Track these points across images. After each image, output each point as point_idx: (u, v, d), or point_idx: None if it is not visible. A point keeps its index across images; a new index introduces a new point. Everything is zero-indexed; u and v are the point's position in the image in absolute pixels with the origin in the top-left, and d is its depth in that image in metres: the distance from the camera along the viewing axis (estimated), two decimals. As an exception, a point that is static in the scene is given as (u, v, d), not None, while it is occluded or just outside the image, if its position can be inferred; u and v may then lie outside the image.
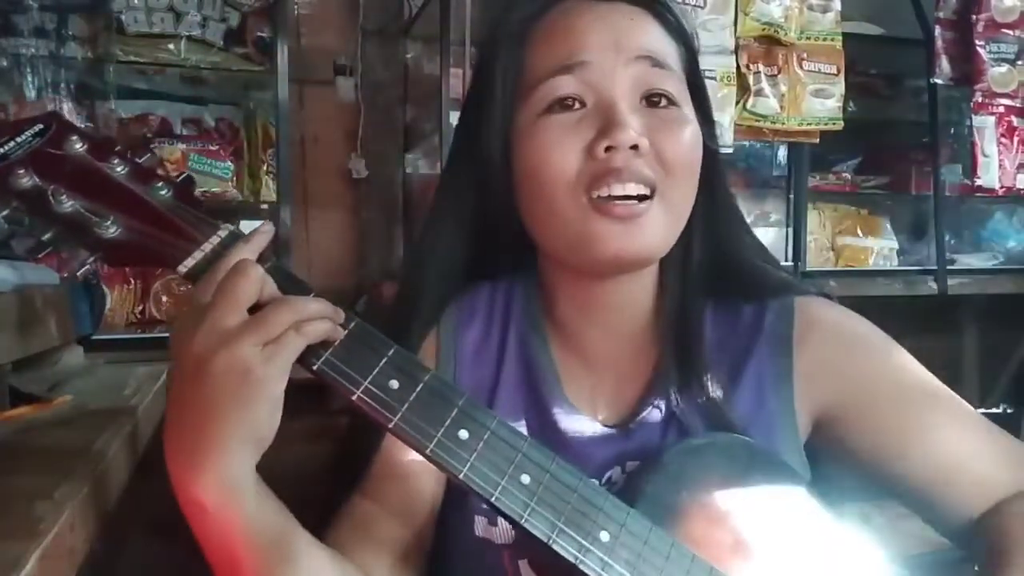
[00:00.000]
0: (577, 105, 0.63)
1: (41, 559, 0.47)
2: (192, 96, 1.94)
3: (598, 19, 0.64)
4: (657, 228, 0.62)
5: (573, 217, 0.62)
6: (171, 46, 1.79)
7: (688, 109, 0.66)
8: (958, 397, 0.71)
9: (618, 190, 0.61)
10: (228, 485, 0.50)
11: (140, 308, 1.75)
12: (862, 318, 0.73)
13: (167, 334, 1.63)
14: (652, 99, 0.63)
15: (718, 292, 0.72)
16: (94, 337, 1.25)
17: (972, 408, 0.71)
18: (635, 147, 0.60)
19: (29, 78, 1.70)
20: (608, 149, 0.60)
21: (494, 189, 0.67)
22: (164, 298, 1.77)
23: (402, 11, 2.08)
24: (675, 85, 0.65)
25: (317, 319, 0.50)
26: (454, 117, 1.71)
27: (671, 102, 0.64)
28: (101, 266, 0.55)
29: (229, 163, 1.86)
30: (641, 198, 0.61)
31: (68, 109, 1.74)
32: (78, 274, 0.54)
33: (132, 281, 1.75)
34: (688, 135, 0.64)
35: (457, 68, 1.72)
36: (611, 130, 0.60)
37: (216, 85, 1.94)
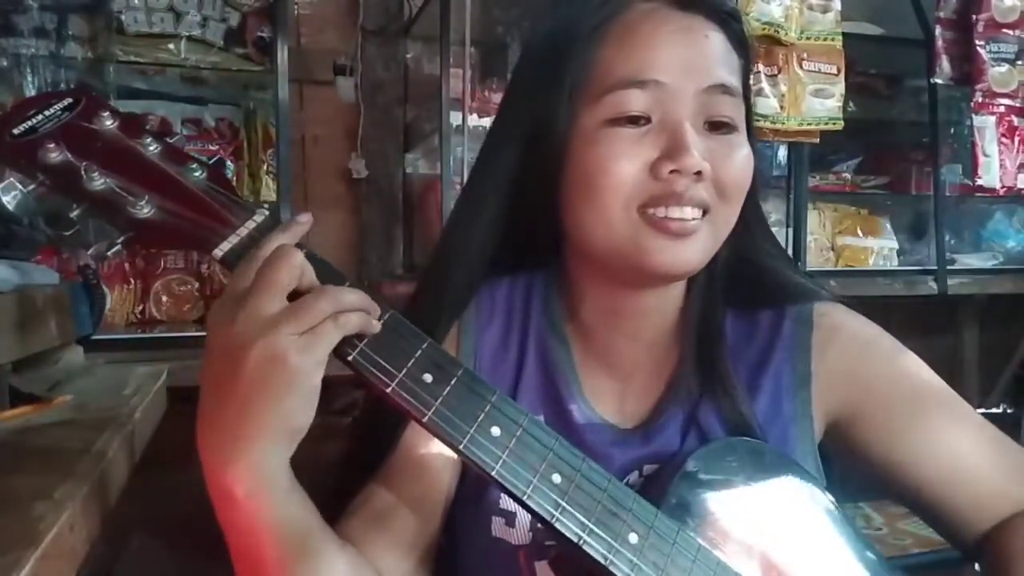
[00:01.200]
0: (643, 121, 0.62)
1: (41, 559, 0.47)
2: (192, 96, 1.94)
3: (676, 33, 0.63)
4: (704, 245, 0.63)
5: (624, 229, 0.62)
6: (171, 46, 1.79)
7: (743, 130, 0.66)
8: (969, 406, 0.71)
9: (675, 212, 0.61)
10: (260, 476, 0.50)
11: (140, 308, 1.75)
12: (876, 325, 0.74)
13: (167, 334, 1.64)
14: (715, 124, 0.63)
15: (738, 298, 0.72)
16: (94, 337, 1.25)
17: (983, 418, 0.72)
18: (698, 173, 0.60)
19: (29, 78, 1.70)
20: (672, 172, 0.60)
21: (539, 186, 0.66)
22: (164, 298, 1.77)
23: (402, 11, 2.08)
24: (737, 110, 0.64)
25: (354, 310, 0.50)
26: (454, 117, 1.72)
27: (732, 128, 0.64)
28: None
29: (229, 163, 1.86)
30: (694, 218, 0.62)
31: (68, 109, 1.74)
32: (108, 254, 0.52)
33: (132, 281, 1.75)
34: (744, 160, 0.64)
35: (457, 68, 1.72)
36: (678, 154, 0.60)
37: (216, 85, 1.94)
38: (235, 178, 1.88)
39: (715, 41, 0.64)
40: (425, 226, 2.03)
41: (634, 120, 0.62)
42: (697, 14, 0.64)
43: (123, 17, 1.74)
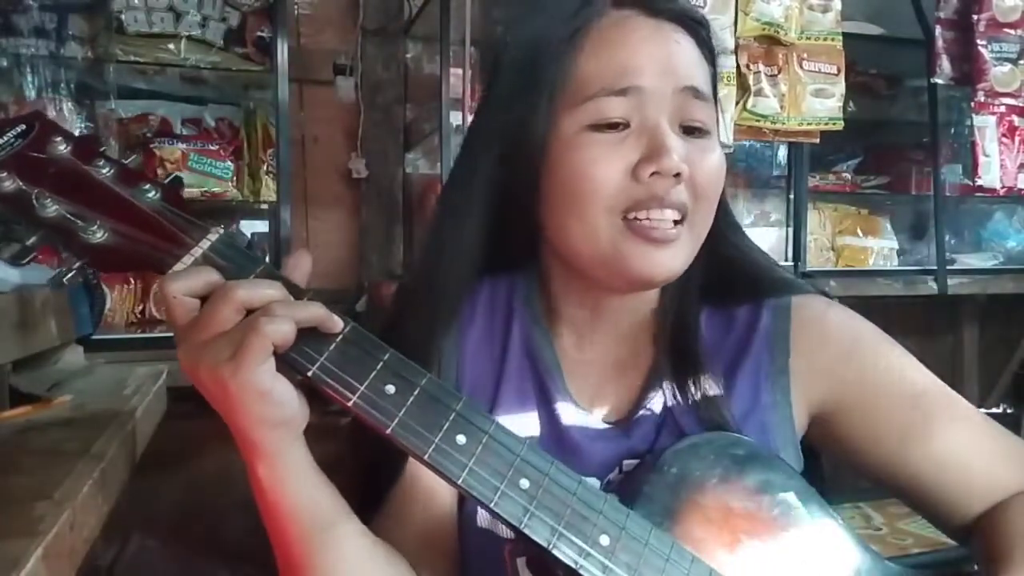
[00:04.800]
0: (622, 126, 0.63)
1: (41, 559, 0.47)
2: (192, 96, 1.94)
3: (649, 39, 0.64)
4: (684, 251, 0.64)
5: (606, 235, 0.62)
6: (171, 46, 1.79)
7: (716, 135, 0.67)
8: (957, 395, 0.71)
9: (656, 215, 0.62)
10: (275, 464, 0.53)
11: (140, 308, 1.75)
12: (860, 316, 0.74)
13: (167, 334, 1.64)
14: (689, 129, 0.64)
15: (714, 294, 0.72)
16: (94, 337, 1.25)
17: (972, 406, 0.71)
18: (678, 175, 0.61)
19: (29, 78, 1.71)
20: (653, 174, 0.61)
21: (518, 192, 0.67)
22: (164, 298, 1.76)
23: (402, 11, 2.08)
24: (708, 113, 0.65)
25: (279, 317, 0.49)
26: (454, 117, 1.72)
27: (705, 132, 0.65)
28: (95, 268, 0.54)
29: (229, 163, 1.86)
30: (675, 222, 0.62)
31: (68, 109, 1.74)
32: (65, 280, 0.53)
33: (132, 281, 1.75)
34: (717, 163, 0.65)
35: (457, 68, 1.72)
36: (658, 156, 0.61)
37: (216, 85, 1.94)
38: (235, 178, 1.88)
39: (685, 46, 0.66)
40: (425, 226, 2.03)
41: (614, 126, 0.62)
42: (667, 21, 0.66)
43: (123, 17, 1.74)
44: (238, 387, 0.49)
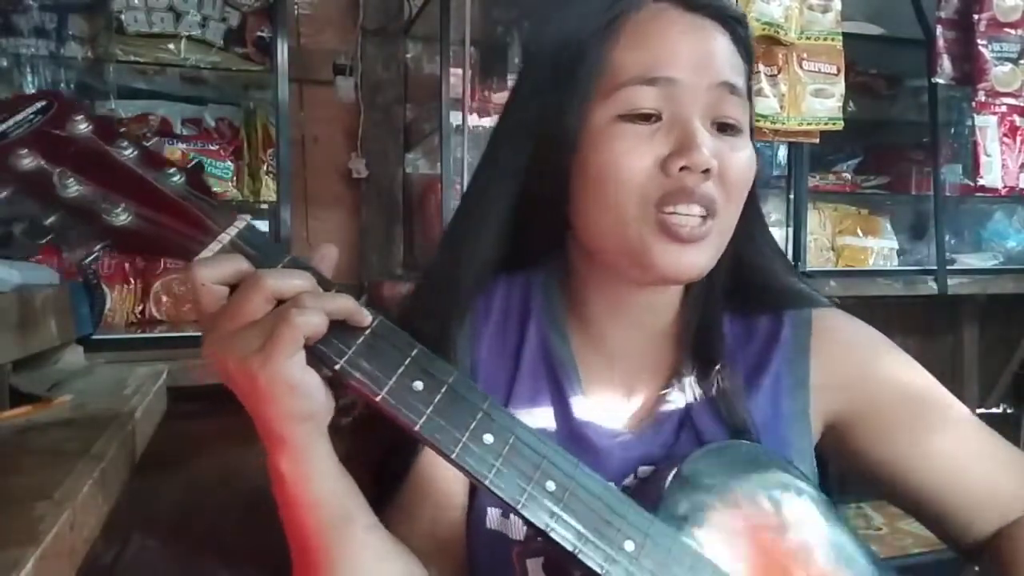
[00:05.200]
0: (654, 118, 0.62)
1: (41, 559, 0.47)
2: (192, 96, 1.94)
3: (687, 33, 0.64)
4: (711, 249, 0.63)
5: (635, 227, 0.62)
6: (171, 46, 1.78)
7: (747, 133, 0.66)
8: (967, 410, 0.72)
9: (683, 209, 0.61)
10: (298, 458, 0.52)
11: (140, 308, 1.75)
12: (874, 330, 0.74)
13: (167, 334, 1.64)
14: (722, 126, 0.64)
15: (738, 301, 0.72)
16: (94, 337, 1.25)
17: (980, 421, 0.72)
18: (707, 170, 0.61)
19: (29, 78, 1.70)
20: (683, 168, 0.61)
21: (547, 185, 0.66)
22: (164, 298, 1.76)
23: (402, 11, 2.07)
24: (742, 111, 0.65)
25: (309, 308, 0.48)
26: (454, 117, 1.72)
27: (737, 130, 0.65)
28: (102, 263, 0.53)
29: (229, 163, 1.86)
30: (703, 218, 0.62)
31: (68, 109, 1.74)
32: (85, 262, 0.50)
33: (132, 281, 1.74)
34: (748, 161, 0.65)
35: (457, 68, 1.72)
36: (688, 151, 0.60)
37: (216, 85, 1.94)
38: (235, 178, 1.88)
39: (722, 42, 0.65)
40: (425, 226, 2.03)
41: (645, 117, 0.62)
42: (705, 16, 0.65)
43: (123, 17, 1.74)
44: (267, 379, 0.48)
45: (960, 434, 0.70)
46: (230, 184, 1.86)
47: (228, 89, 1.96)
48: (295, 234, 1.86)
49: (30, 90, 1.70)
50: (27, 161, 0.49)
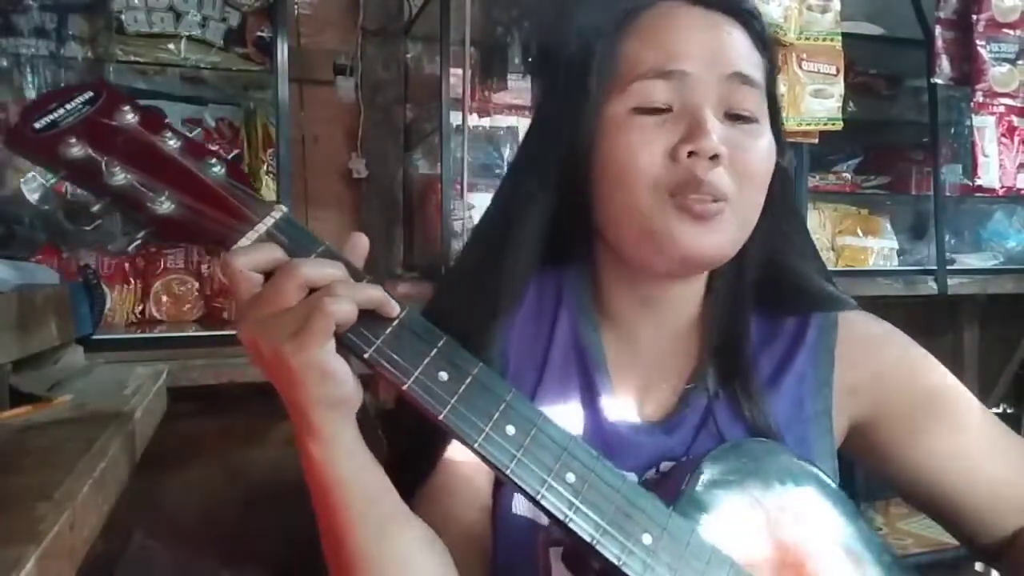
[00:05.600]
0: (666, 111, 0.63)
1: (41, 559, 0.47)
2: (192, 96, 1.94)
3: (698, 28, 0.65)
4: (729, 235, 0.64)
5: (652, 213, 0.62)
6: (171, 46, 1.78)
7: (765, 123, 0.66)
8: (990, 412, 0.73)
9: (695, 197, 0.62)
10: (328, 444, 0.52)
11: (140, 308, 1.75)
12: (902, 333, 0.75)
13: (167, 334, 1.64)
14: (735, 116, 0.64)
15: (764, 300, 0.73)
16: (94, 337, 1.25)
17: (1001, 423, 0.72)
18: (715, 157, 0.61)
19: (29, 78, 1.70)
20: (691, 155, 0.61)
21: (571, 177, 0.67)
22: (164, 298, 1.76)
23: (402, 11, 2.07)
24: (757, 102, 0.66)
25: (341, 296, 0.50)
26: (454, 117, 1.72)
27: (752, 120, 0.65)
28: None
29: (229, 163, 1.86)
30: (715, 201, 0.62)
31: (68, 109, 1.73)
32: (129, 249, 0.53)
33: (132, 281, 1.74)
34: (764, 150, 0.65)
35: (457, 68, 1.72)
36: (696, 137, 0.61)
37: (216, 85, 1.94)
38: (235, 178, 1.88)
39: (736, 36, 0.66)
40: (425, 226, 2.03)
41: (658, 110, 0.63)
42: (718, 11, 0.66)
43: (123, 17, 1.74)
44: (301, 365, 0.49)
45: (982, 436, 0.71)
46: (230, 184, 1.86)
47: (228, 89, 1.96)
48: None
49: (30, 90, 1.70)
50: (76, 150, 0.51)
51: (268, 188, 1.89)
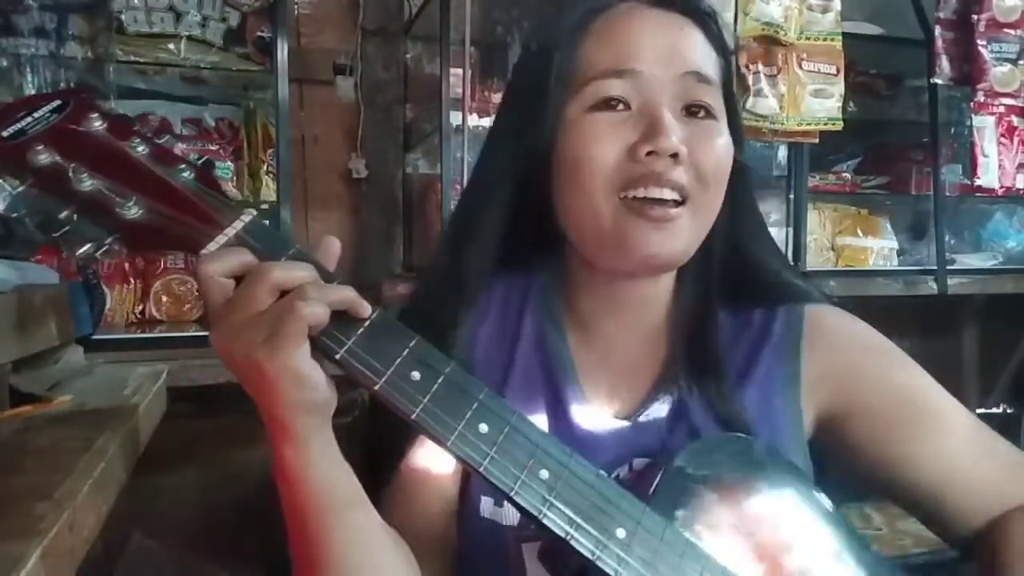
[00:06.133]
0: (622, 107, 0.64)
1: (41, 559, 0.47)
2: (192, 96, 1.94)
3: (652, 28, 0.66)
4: (686, 233, 0.64)
5: (607, 214, 0.63)
6: (171, 46, 1.78)
7: (723, 121, 0.67)
8: (962, 406, 0.72)
9: (654, 193, 0.63)
10: (302, 447, 0.53)
11: (140, 308, 1.75)
12: (870, 327, 0.74)
13: (167, 334, 1.64)
14: (692, 110, 0.66)
15: (731, 296, 0.73)
16: (94, 337, 1.25)
17: (976, 418, 0.72)
18: (675, 155, 0.62)
19: (29, 78, 1.70)
20: (649, 154, 0.62)
21: (530, 178, 0.68)
22: (164, 298, 1.76)
23: (402, 11, 2.08)
24: (714, 98, 0.67)
25: (312, 299, 0.50)
26: (455, 117, 1.72)
27: (709, 114, 0.66)
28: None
29: (229, 163, 1.86)
30: (675, 203, 0.63)
31: (68, 109, 1.74)
32: (97, 254, 0.52)
33: (132, 281, 1.74)
34: (722, 147, 0.66)
35: (457, 68, 1.72)
36: (654, 136, 0.62)
37: (216, 85, 1.94)
38: (235, 178, 1.88)
39: (692, 36, 0.67)
40: (425, 226, 2.03)
41: (613, 105, 0.64)
42: (675, 12, 0.67)
43: (123, 17, 1.74)
44: (275, 370, 0.49)
45: (954, 431, 0.70)
46: (230, 184, 1.86)
47: (228, 89, 1.96)
48: (295, 234, 1.86)
49: (30, 90, 1.70)
50: (43, 157, 0.51)
51: (268, 188, 1.89)
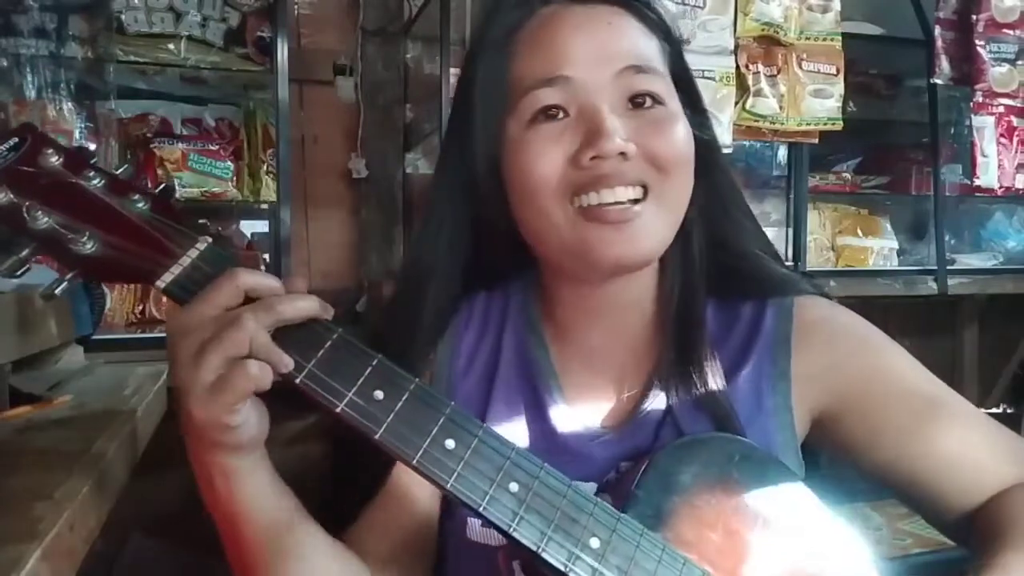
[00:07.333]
0: (561, 115, 0.63)
1: (41, 559, 0.47)
2: (192, 96, 1.94)
3: (578, 28, 0.64)
4: (654, 228, 0.63)
5: (563, 225, 0.62)
6: (171, 46, 1.79)
7: (675, 104, 0.65)
8: (957, 394, 0.71)
9: (608, 196, 0.61)
10: (231, 480, 0.53)
11: (140, 308, 1.75)
12: (860, 317, 0.73)
13: (167, 334, 1.64)
14: (637, 101, 0.63)
15: (719, 289, 0.72)
16: (94, 337, 1.25)
17: (972, 405, 0.71)
18: (623, 154, 0.61)
19: (29, 78, 1.70)
20: (594, 158, 0.61)
21: (485, 198, 0.67)
22: (164, 298, 1.76)
23: (402, 11, 2.08)
24: (660, 84, 0.65)
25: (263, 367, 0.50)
26: (454, 117, 1.72)
27: (657, 101, 0.64)
28: (85, 280, 0.54)
29: (229, 163, 1.86)
30: (635, 201, 0.62)
31: (68, 109, 1.74)
32: (56, 292, 0.53)
33: (132, 281, 1.74)
34: (677, 131, 0.64)
35: (457, 68, 1.71)
36: (596, 140, 0.60)
37: (216, 85, 1.94)
38: (235, 178, 1.88)
39: (621, 26, 0.65)
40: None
41: (551, 115, 0.62)
42: (600, 4, 0.65)
43: (123, 17, 1.74)
44: (204, 419, 0.50)
45: (948, 419, 0.69)
46: (230, 184, 1.86)
47: (228, 89, 1.96)
48: (295, 234, 1.86)
49: (30, 90, 1.70)
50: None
51: (268, 188, 1.89)
